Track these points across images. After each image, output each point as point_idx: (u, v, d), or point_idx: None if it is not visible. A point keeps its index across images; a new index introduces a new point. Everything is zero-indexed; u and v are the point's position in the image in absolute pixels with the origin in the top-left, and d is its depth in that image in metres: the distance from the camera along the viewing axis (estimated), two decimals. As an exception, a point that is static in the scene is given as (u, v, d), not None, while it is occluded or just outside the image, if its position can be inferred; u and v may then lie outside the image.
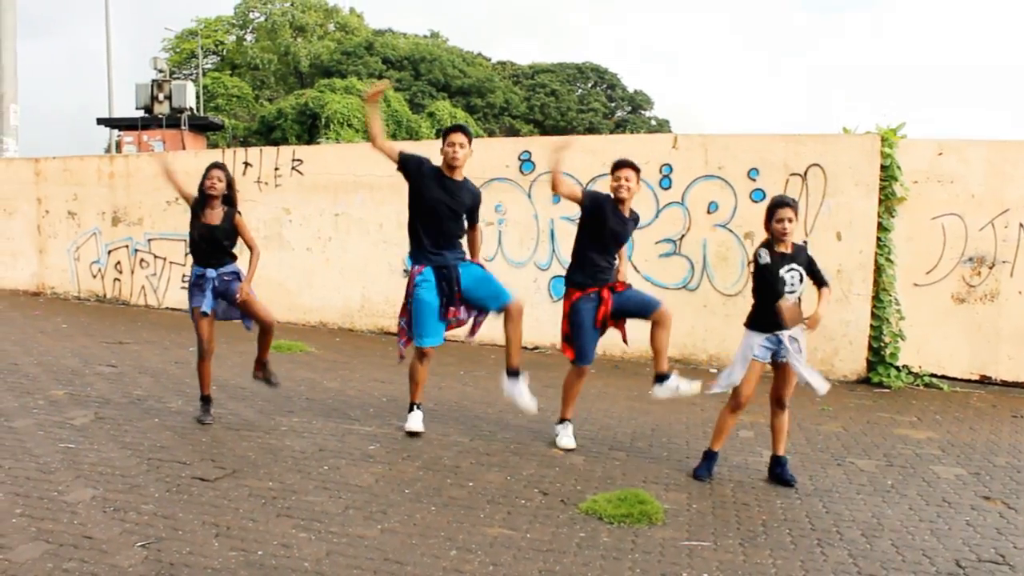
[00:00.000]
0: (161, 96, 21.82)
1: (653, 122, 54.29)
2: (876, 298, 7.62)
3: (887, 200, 7.58)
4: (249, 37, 50.75)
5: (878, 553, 3.74)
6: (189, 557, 3.37)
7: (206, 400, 5.47)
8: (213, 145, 28.88)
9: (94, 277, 11.63)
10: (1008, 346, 7.48)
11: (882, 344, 7.60)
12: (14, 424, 5.17)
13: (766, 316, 4.52)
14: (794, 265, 4.51)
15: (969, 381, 7.59)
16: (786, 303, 4.45)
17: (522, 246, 8.92)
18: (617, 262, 5.20)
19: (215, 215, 5.29)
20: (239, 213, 5.39)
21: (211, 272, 5.27)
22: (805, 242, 4.78)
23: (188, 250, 5.46)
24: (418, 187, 5.16)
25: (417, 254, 5.23)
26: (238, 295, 5.25)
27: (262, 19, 49.74)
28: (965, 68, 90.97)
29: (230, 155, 10.65)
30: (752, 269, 4.68)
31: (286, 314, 10.05)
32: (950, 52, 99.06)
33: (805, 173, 7.79)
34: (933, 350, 7.65)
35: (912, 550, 3.79)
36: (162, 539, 3.53)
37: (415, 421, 5.38)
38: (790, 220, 4.46)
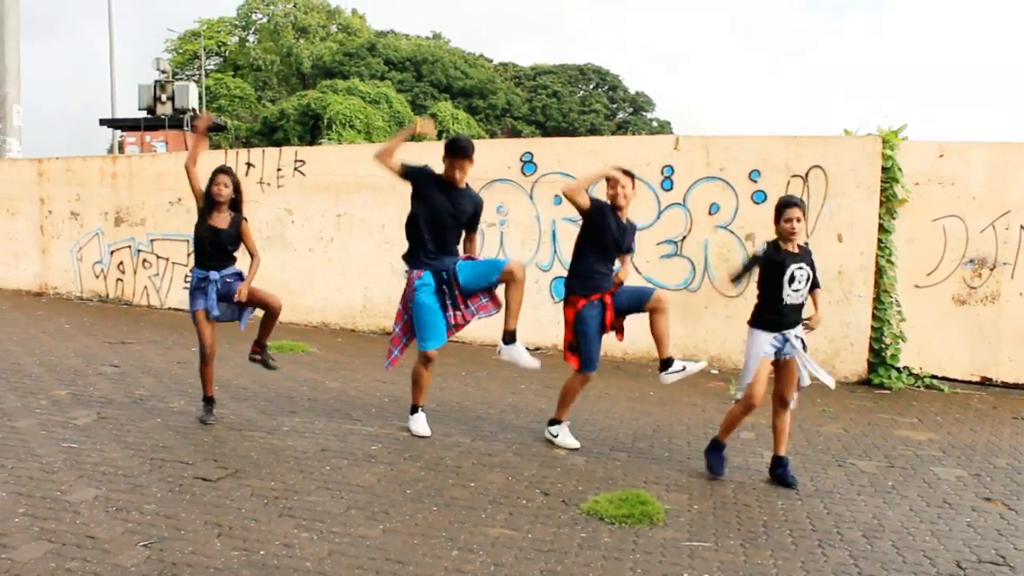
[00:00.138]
0: (164, 97, 21.86)
1: (655, 123, 54.32)
2: (877, 299, 7.63)
3: (888, 202, 7.59)
4: (252, 38, 50.84)
5: (879, 554, 3.75)
6: (191, 557, 3.38)
7: (209, 401, 5.48)
8: (216, 146, 28.91)
9: (97, 277, 11.65)
10: (1009, 348, 7.49)
11: (883, 345, 7.60)
12: (17, 424, 5.18)
13: (772, 313, 4.56)
14: (803, 264, 4.56)
15: (970, 383, 7.59)
16: None
17: (524, 247, 8.93)
18: (620, 266, 5.21)
19: (222, 219, 5.32)
20: (245, 219, 5.43)
21: (214, 274, 5.28)
22: (807, 243, 4.84)
23: (193, 252, 5.44)
24: (421, 195, 5.17)
25: (415, 259, 5.21)
26: (237, 295, 5.27)
27: (264, 20, 49.83)
28: (965, 68, 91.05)
29: (232, 156, 10.67)
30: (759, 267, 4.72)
31: (288, 314, 10.06)
32: (950, 52, 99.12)
33: (806, 175, 7.79)
34: (934, 351, 7.65)
35: (913, 551, 3.79)
36: (164, 539, 3.54)
37: (422, 424, 5.40)
38: (798, 220, 4.52)
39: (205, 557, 3.39)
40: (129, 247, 11.33)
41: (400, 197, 9.44)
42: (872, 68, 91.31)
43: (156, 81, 22.44)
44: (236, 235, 5.35)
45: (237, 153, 10.74)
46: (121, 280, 11.44)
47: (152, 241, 11.15)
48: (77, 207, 11.71)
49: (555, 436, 5.26)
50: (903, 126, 7.69)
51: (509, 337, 5.24)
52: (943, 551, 3.81)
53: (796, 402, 4.77)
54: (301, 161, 10.10)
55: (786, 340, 4.57)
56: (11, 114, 14.52)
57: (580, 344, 5.06)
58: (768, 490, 4.58)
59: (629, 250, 5.24)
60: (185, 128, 21.38)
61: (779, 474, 4.70)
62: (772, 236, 4.68)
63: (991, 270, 7.47)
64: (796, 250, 4.58)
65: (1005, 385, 7.51)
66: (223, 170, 5.40)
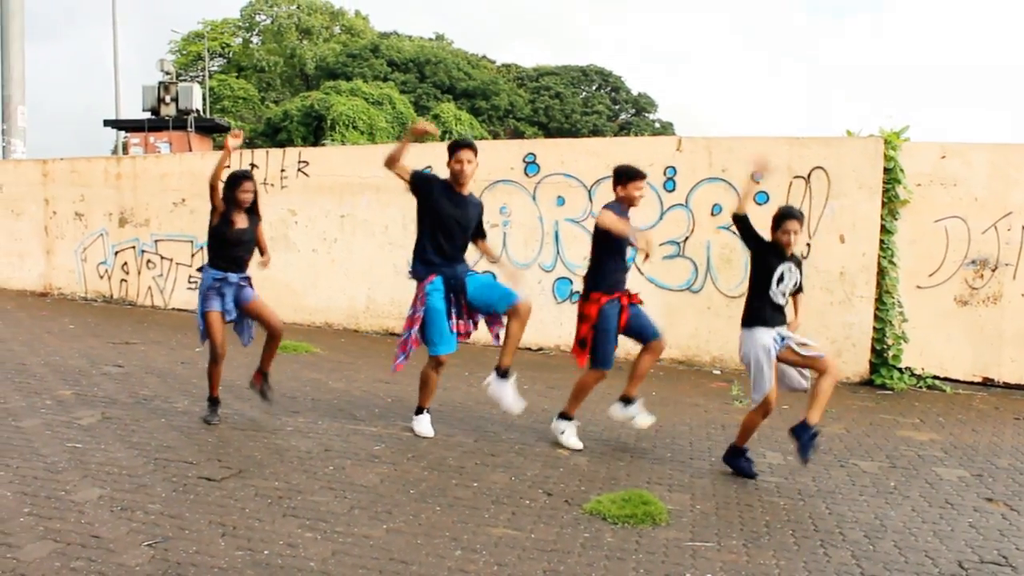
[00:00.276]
0: (168, 98, 21.93)
1: (657, 124, 54.28)
2: (879, 300, 7.63)
3: (890, 203, 7.59)
4: (255, 39, 50.92)
5: (881, 554, 3.75)
6: (196, 556, 3.40)
7: (214, 401, 5.51)
8: (219, 147, 28.97)
9: (101, 278, 11.69)
10: (1011, 348, 7.49)
11: (885, 346, 7.61)
12: (22, 424, 5.21)
13: (763, 308, 4.61)
14: (792, 266, 4.65)
15: (972, 383, 7.59)
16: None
17: (526, 248, 8.95)
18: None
19: (242, 220, 5.37)
20: (260, 220, 5.53)
21: (233, 277, 5.33)
22: (801, 253, 4.92)
23: (209, 254, 5.44)
24: (430, 203, 5.18)
25: (426, 266, 5.20)
26: (261, 262, 5.43)
27: (268, 22, 49.90)
28: (965, 68, 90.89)
29: (236, 156, 10.69)
30: (751, 257, 4.76)
31: (292, 315, 10.10)
32: (950, 52, 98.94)
33: (809, 176, 7.80)
34: (936, 352, 7.66)
35: (915, 551, 3.80)
36: (169, 538, 3.56)
37: (426, 425, 5.40)
38: (795, 232, 4.61)
39: (209, 556, 3.40)
40: (133, 248, 11.37)
41: (403, 198, 9.45)
42: (872, 68, 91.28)
43: (160, 82, 22.51)
44: (255, 237, 5.44)
45: (241, 154, 10.76)
46: (125, 281, 11.47)
47: (156, 242, 11.18)
48: (81, 208, 11.75)
49: (561, 433, 5.24)
50: (905, 127, 7.70)
51: (502, 373, 5.24)
52: (945, 551, 3.82)
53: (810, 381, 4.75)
54: (305, 162, 10.13)
55: (783, 338, 4.65)
56: (15, 115, 14.58)
57: (599, 341, 5.04)
58: (770, 490, 4.59)
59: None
60: (189, 129, 21.43)
61: (801, 438, 4.55)
62: (770, 227, 4.74)
63: (993, 271, 7.47)
64: (789, 255, 4.70)
65: (1007, 386, 7.51)
66: (247, 176, 5.44)
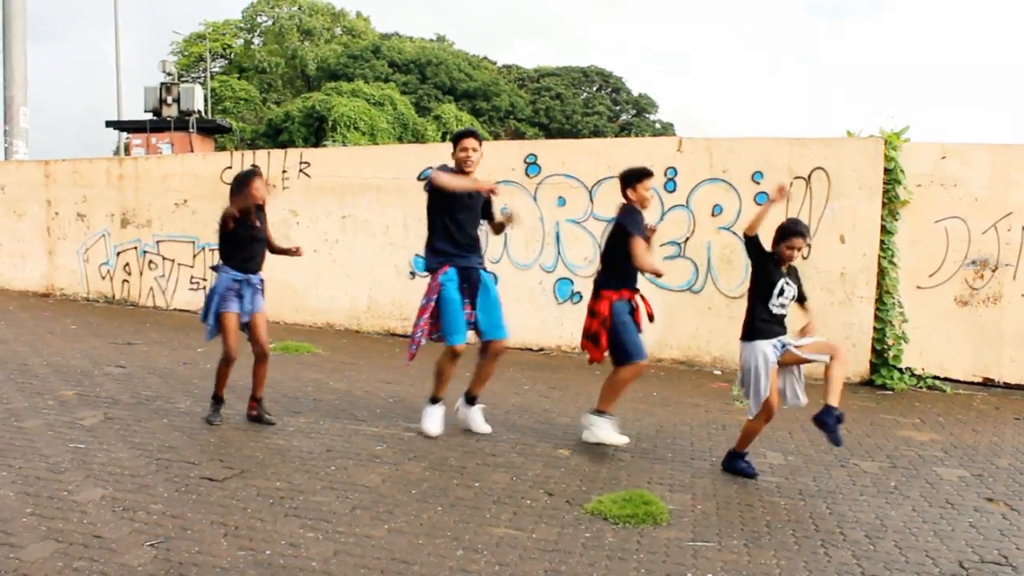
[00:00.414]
0: (169, 99, 21.95)
1: (657, 125, 54.31)
2: (879, 301, 7.64)
3: (890, 203, 7.60)
4: (257, 41, 50.96)
5: (881, 554, 3.76)
6: (198, 556, 3.41)
7: (219, 401, 5.52)
8: (221, 148, 29.01)
9: (103, 278, 11.71)
10: (1011, 348, 7.50)
11: (885, 346, 7.61)
12: (24, 424, 5.22)
13: (763, 321, 4.63)
14: (791, 281, 4.68)
15: (972, 383, 7.60)
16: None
17: (528, 248, 8.96)
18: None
19: (257, 220, 5.40)
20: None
21: (254, 278, 5.39)
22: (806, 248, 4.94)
23: (224, 255, 5.41)
24: (444, 194, 5.18)
25: (439, 256, 5.24)
26: (293, 250, 5.53)
27: (269, 23, 49.94)
28: (965, 68, 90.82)
29: (238, 157, 10.72)
30: (752, 268, 4.76)
31: (293, 315, 10.12)
32: (950, 52, 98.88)
33: (809, 176, 7.81)
34: (936, 352, 7.66)
35: (915, 551, 3.81)
36: (171, 538, 3.57)
37: (435, 420, 5.37)
38: (799, 249, 4.62)
39: (211, 557, 3.41)
40: (135, 248, 11.39)
41: (404, 199, 9.52)
42: (872, 68, 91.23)
43: (162, 83, 22.53)
44: (266, 235, 5.51)
45: (242, 155, 10.79)
46: (127, 281, 11.49)
47: (158, 242, 11.20)
48: (83, 209, 11.77)
49: (601, 429, 5.12)
50: (905, 128, 7.71)
51: (471, 400, 5.45)
52: (946, 551, 3.82)
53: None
54: (306, 163, 10.14)
55: (783, 345, 4.66)
56: (18, 116, 14.60)
57: (623, 336, 5.04)
58: (771, 490, 4.60)
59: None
60: (191, 130, 21.46)
61: (827, 423, 4.51)
62: (773, 237, 4.74)
63: (993, 271, 7.48)
64: (787, 270, 4.71)
65: (1007, 386, 7.52)
66: (256, 173, 5.45)
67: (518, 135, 44.73)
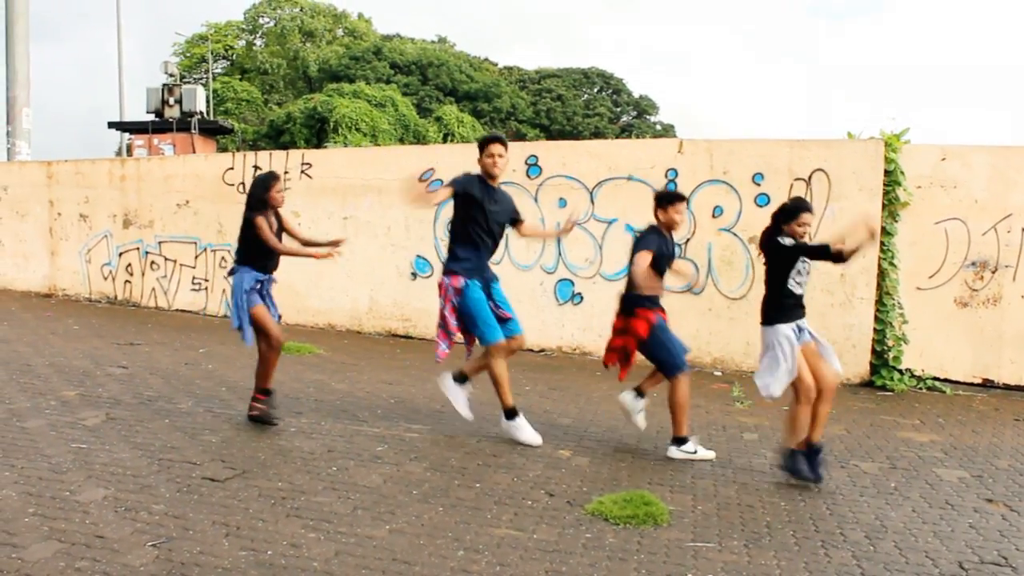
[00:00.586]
0: (172, 100, 21.98)
1: (658, 127, 54.33)
2: (879, 302, 7.65)
3: (891, 205, 7.61)
4: (259, 42, 51.02)
5: (881, 555, 3.77)
6: (199, 557, 3.42)
7: (269, 393, 5.51)
8: (223, 149, 29.05)
9: (105, 279, 11.73)
10: (1010, 350, 7.51)
11: (885, 347, 7.62)
12: (27, 424, 5.24)
13: (784, 303, 4.68)
14: (806, 259, 4.70)
15: (972, 384, 7.61)
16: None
17: (528, 250, 8.97)
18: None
19: (272, 222, 5.43)
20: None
21: (272, 277, 5.47)
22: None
23: (246, 257, 5.41)
24: (475, 202, 5.20)
25: (461, 263, 5.22)
26: (333, 249, 5.53)
27: (272, 24, 49.99)
28: (965, 68, 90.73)
29: (240, 158, 10.75)
30: (764, 259, 4.79)
31: (295, 316, 10.13)
32: (950, 52, 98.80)
33: (809, 178, 7.82)
34: (936, 354, 7.67)
35: (915, 552, 3.82)
36: (173, 539, 3.58)
37: (529, 431, 5.30)
38: (809, 224, 4.72)
39: (213, 557, 3.43)
40: (137, 249, 11.41)
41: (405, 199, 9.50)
42: (872, 68, 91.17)
43: (164, 84, 22.57)
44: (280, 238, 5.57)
45: (244, 156, 10.81)
46: (129, 282, 11.51)
47: (160, 243, 11.22)
48: (86, 209, 11.79)
49: (693, 452, 5.13)
50: (905, 129, 7.72)
51: (462, 378, 5.45)
52: (945, 552, 3.83)
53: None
54: (308, 164, 10.16)
55: (800, 329, 4.70)
56: (20, 117, 14.63)
57: (669, 348, 5.09)
58: (771, 491, 4.61)
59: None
60: (193, 131, 21.50)
61: (810, 460, 4.67)
62: (767, 225, 4.80)
63: (993, 273, 7.49)
64: None
65: (1007, 387, 7.53)
66: (277, 176, 5.50)
67: (519, 136, 44.73)
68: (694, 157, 8.26)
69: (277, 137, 36.56)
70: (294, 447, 5.02)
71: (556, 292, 8.90)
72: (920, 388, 7.59)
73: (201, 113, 22.33)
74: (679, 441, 5.15)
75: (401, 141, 35.67)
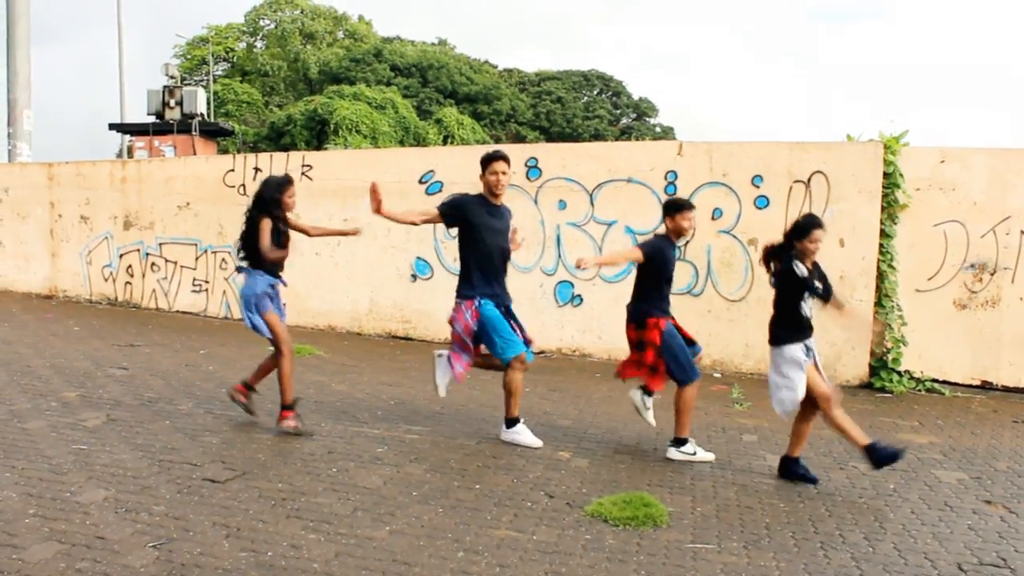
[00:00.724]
0: (172, 102, 21.99)
1: (658, 129, 54.37)
2: (878, 304, 7.66)
3: (890, 207, 7.63)
4: (259, 44, 51.04)
5: (880, 556, 3.78)
6: (200, 558, 3.43)
7: (294, 405, 5.41)
8: (223, 150, 29.06)
9: (106, 280, 11.74)
10: (1009, 352, 7.52)
11: (884, 349, 7.64)
12: (27, 425, 5.25)
13: (796, 326, 4.68)
14: (816, 281, 4.71)
15: (970, 386, 7.62)
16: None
17: (528, 251, 8.98)
18: None
19: (281, 226, 5.41)
20: None
21: (281, 281, 5.45)
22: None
23: (255, 259, 5.36)
24: (471, 226, 5.20)
25: (470, 288, 5.21)
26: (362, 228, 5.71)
27: (272, 26, 50.03)
28: (965, 68, 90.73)
29: (240, 160, 10.76)
30: (775, 281, 4.77)
31: (295, 318, 10.13)
32: (950, 52, 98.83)
33: (809, 180, 7.84)
34: (935, 355, 7.68)
35: (914, 553, 3.83)
36: (173, 540, 3.59)
37: (529, 435, 5.34)
38: (821, 241, 4.70)
39: (213, 558, 3.44)
40: (138, 250, 11.42)
41: (406, 202, 9.51)
42: (872, 68, 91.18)
43: (165, 86, 22.58)
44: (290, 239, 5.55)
45: (245, 158, 10.83)
46: (130, 283, 11.52)
47: (160, 245, 11.23)
48: (87, 211, 11.80)
49: (692, 455, 5.16)
50: (904, 132, 7.74)
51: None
52: (944, 553, 3.84)
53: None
54: (308, 166, 10.18)
55: (808, 349, 4.71)
56: (21, 119, 14.64)
57: (679, 355, 5.09)
58: (770, 492, 4.62)
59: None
60: (193, 133, 21.52)
61: (799, 473, 4.82)
62: (776, 241, 4.79)
63: (991, 275, 7.51)
64: (811, 266, 4.74)
65: (1005, 389, 7.54)
66: (291, 180, 5.46)
67: (519, 139, 44.80)
68: (694, 159, 8.27)
69: (277, 139, 36.60)
70: (294, 448, 5.03)
71: (556, 294, 8.92)
72: (919, 390, 7.60)
73: (202, 115, 22.34)
74: (679, 442, 5.17)
75: (401, 143, 35.68)
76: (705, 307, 8.25)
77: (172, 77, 23.69)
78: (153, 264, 11.32)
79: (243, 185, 10.52)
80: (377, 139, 34.90)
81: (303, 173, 10.15)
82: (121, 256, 11.56)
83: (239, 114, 41.82)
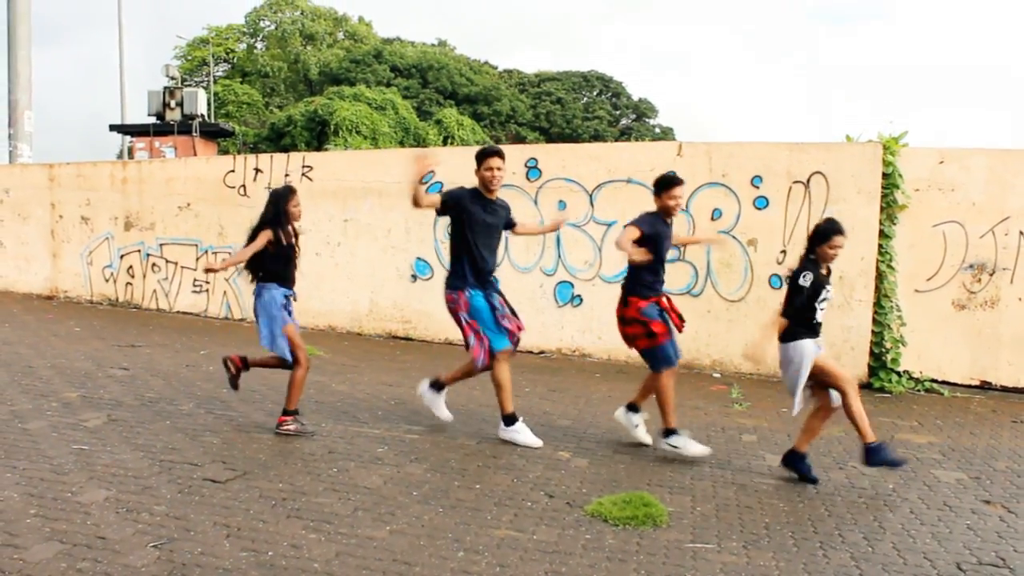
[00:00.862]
0: (173, 103, 22.03)
1: (657, 129, 54.43)
2: (878, 304, 7.67)
3: (889, 207, 7.63)
4: (260, 45, 51.10)
5: (880, 556, 3.79)
6: (201, 558, 3.44)
7: (296, 412, 5.44)
8: (224, 151, 29.08)
9: (106, 281, 11.75)
10: (1008, 352, 7.52)
11: (883, 350, 7.64)
12: (28, 426, 5.26)
13: (807, 327, 4.70)
14: (830, 287, 4.80)
15: (969, 386, 7.63)
16: None
17: (528, 252, 9.00)
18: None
19: (290, 236, 5.38)
20: None
21: (294, 294, 5.43)
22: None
23: (268, 272, 5.34)
24: (464, 217, 5.24)
25: (465, 281, 5.25)
26: None
27: (272, 27, 50.08)
28: (965, 68, 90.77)
29: (241, 161, 10.77)
30: (789, 286, 4.78)
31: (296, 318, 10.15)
32: (950, 52, 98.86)
33: (808, 181, 7.85)
34: (934, 356, 7.69)
35: (913, 553, 3.84)
36: (174, 540, 3.60)
37: (528, 434, 5.34)
38: (841, 247, 4.74)
39: (214, 558, 3.45)
40: (139, 251, 11.44)
41: (405, 202, 9.50)
42: (872, 68, 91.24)
43: (165, 87, 22.61)
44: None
45: (245, 159, 10.84)
46: (131, 284, 11.54)
47: (161, 245, 11.25)
48: (87, 212, 11.82)
49: (678, 447, 5.15)
50: (903, 133, 7.75)
51: (439, 385, 5.50)
52: (943, 553, 3.85)
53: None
54: (308, 167, 10.19)
55: (818, 347, 4.75)
56: (22, 120, 14.66)
57: (659, 338, 5.09)
58: (770, 492, 4.63)
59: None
60: (194, 133, 21.54)
61: (801, 470, 4.82)
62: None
63: (990, 275, 7.51)
64: (826, 271, 4.78)
65: (1004, 389, 7.54)
66: (295, 190, 5.44)
67: (519, 139, 44.83)
68: (693, 160, 8.28)
69: (278, 140, 36.64)
70: (295, 448, 5.04)
71: (556, 294, 8.93)
72: (918, 390, 7.60)
73: (202, 116, 22.38)
74: (667, 433, 5.19)
75: (401, 144, 35.72)
76: (704, 307, 8.26)
77: (172, 78, 23.73)
78: (154, 265, 11.33)
79: (243, 186, 10.54)
80: (377, 140, 34.93)
81: (303, 174, 10.17)
82: (122, 257, 11.58)
83: (239, 115, 41.87)
